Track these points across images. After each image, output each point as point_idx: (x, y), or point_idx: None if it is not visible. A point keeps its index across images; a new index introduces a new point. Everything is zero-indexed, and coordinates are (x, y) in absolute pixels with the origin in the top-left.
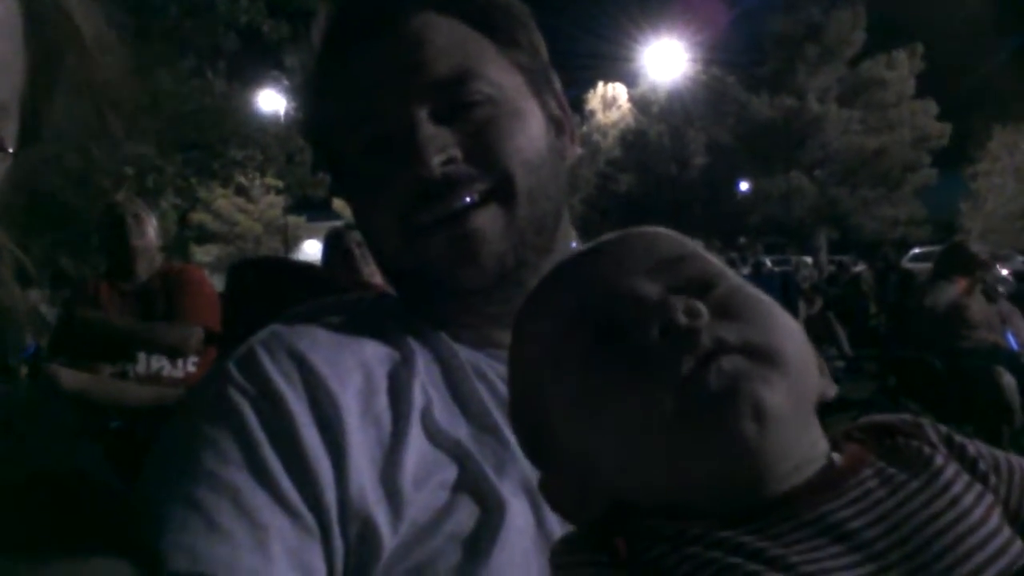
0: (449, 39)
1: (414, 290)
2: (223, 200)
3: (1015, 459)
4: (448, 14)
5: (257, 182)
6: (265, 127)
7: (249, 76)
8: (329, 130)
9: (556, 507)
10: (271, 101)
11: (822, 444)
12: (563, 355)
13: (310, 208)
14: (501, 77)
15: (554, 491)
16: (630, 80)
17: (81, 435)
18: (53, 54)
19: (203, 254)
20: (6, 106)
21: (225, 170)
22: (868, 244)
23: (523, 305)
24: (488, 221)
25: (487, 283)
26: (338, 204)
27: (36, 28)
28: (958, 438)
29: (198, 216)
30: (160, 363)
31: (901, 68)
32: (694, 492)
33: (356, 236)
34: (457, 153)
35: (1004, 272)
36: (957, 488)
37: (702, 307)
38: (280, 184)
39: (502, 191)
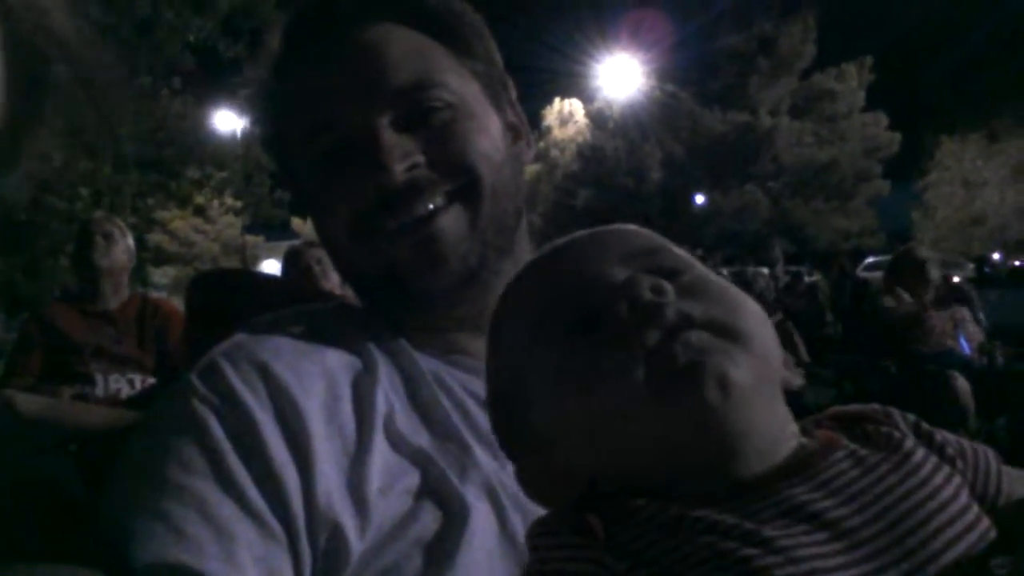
0: (407, 48)
1: (377, 297)
2: (180, 221)
3: (979, 446)
4: (405, 24)
5: (215, 202)
6: (223, 146)
7: (205, 95)
8: (287, 141)
9: (533, 493)
10: (228, 120)
11: (791, 427)
12: (538, 343)
13: (269, 228)
14: (459, 84)
15: (531, 477)
16: (586, 96)
17: (49, 451)
18: (36, 82)
19: (160, 276)
20: None
21: (183, 190)
22: (823, 254)
23: (499, 299)
24: (452, 222)
25: (452, 285)
26: (297, 223)
27: (17, 56)
28: (925, 425)
29: (155, 237)
30: (119, 384)
31: (851, 81)
32: (667, 468)
33: (315, 253)
34: (420, 159)
35: (956, 279)
36: (927, 469)
37: (667, 286)
38: (238, 204)
39: (467, 190)
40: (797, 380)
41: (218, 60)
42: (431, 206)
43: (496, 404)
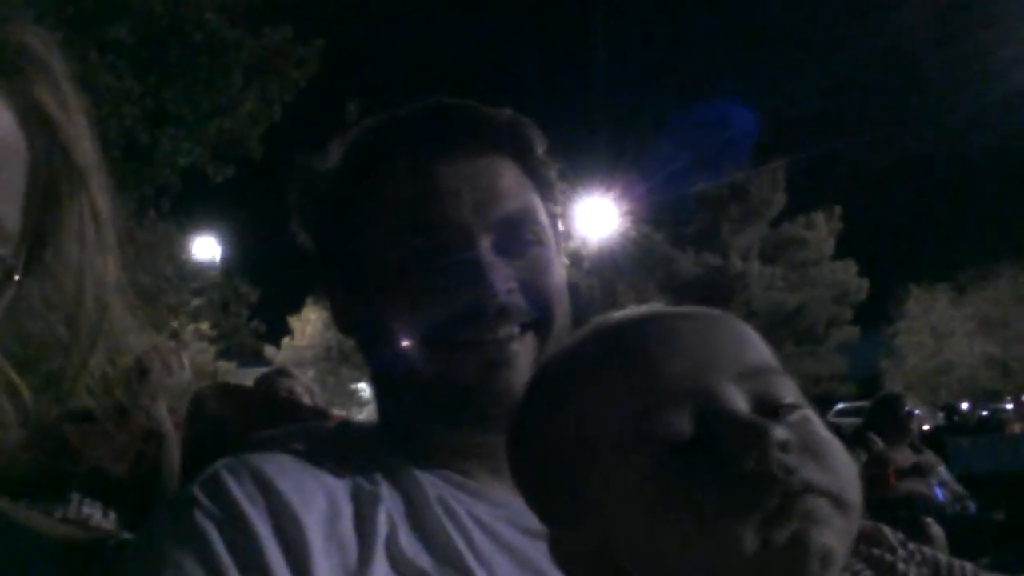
0: (516, 182)
1: (421, 404)
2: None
3: (963, 563)
4: (517, 161)
5: (190, 328)
6: (202, 274)
7: (189, 220)
8: (369, 233)
9: (564, 567)
10: (208, 247)
11: None
12: (634, 441)
13: (240, 355)
14: (546, 224)
15: (566, 552)
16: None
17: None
18: (58, 189)
19: None
20: (12, 235)
21: (158, 316)
22: None
23: (572, 357)
24: (524, 351)
25: (506, 412)
26: (269, 351)
27: (41, 162)
28: (911, 544)
29: (124, 359)
30: (92, 510)
31: (820, 229)
32: None
33: (286, 383)
34: (515, 285)
35: (926, 427)
36: None
37: (792, 443)
38: (213, 333)
39: (541, 324)
40: None
41: (202, 186)
42: (515, 329)
43: (547, 468)
